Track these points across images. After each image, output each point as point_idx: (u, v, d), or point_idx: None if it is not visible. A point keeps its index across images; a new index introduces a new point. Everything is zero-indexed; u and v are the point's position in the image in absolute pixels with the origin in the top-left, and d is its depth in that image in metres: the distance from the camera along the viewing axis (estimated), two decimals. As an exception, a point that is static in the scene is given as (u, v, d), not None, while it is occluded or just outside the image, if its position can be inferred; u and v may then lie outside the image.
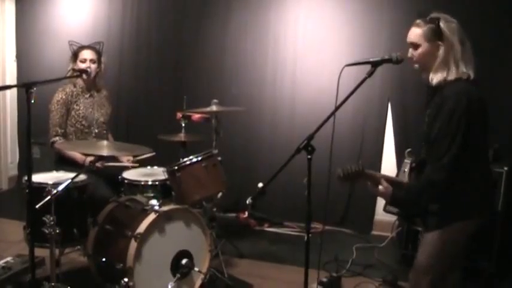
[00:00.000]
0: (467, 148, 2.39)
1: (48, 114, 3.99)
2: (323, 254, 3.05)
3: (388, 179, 2.61)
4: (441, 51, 2.46)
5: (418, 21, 2.53)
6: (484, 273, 3.83)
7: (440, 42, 2.46)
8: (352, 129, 5.05)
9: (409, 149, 4.08)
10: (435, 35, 2.46)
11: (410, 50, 2.57)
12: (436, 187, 2.44)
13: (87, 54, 4.00)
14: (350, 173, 2.52)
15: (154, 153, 3.80)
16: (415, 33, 2.53)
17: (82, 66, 3.94)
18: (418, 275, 2.64)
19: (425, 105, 2.62)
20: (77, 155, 3.89)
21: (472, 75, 2.46)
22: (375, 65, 2.49)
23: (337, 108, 2.46)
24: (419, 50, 2.52)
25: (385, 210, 4.23)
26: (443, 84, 2.46)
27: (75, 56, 4.02)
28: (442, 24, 2.46)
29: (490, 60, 4.30)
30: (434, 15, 2.50)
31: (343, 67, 2.48)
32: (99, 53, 4.09)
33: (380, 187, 2.57)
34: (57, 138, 3.94)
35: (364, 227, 5.10)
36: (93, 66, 4.00)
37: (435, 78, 2.48)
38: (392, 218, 4.56)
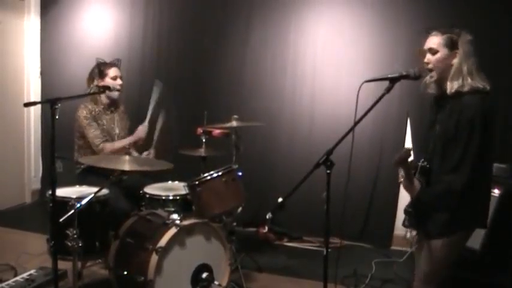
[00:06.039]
0: (481, 158, 2.44)
1: (74, 133, 4.09)
2: (342, 269, 3.05)
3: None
4: (457, 59, 2.51)
5: (434, 32, 2.59)
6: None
7: (457, 51, 2.52)
8: (370, 144, 5.05)
9: (428, 164, 4.05)
10: (453, 44, 2.53)
11: (428, 55, 2.60)
12: (455, 195, 2.48)
13: (116, 71, 4.10)
14: (402, 156, 2.72)
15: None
16: (433, 40, 2.59)
17: (116, 83, 4.04)
18: (421, 284, 2.67)
19: (434, 112, 2.66)
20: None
21: (488, 88, 2.50)
22: (392, 81, 2.51)
23: (356, 123, 2.48)
24: (437, 55, 2.56)
25: (404, 225, 4.21)
26: (461, 93, 2.49)
27: (101, 73, 4.08)
28: (459, 36, 2.53)
29: (505, 80, 4.31)
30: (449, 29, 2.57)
31: (362, 83, 2.49)
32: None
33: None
34: (103, 144, 4.00)
35: (384, 242, 5.08)
36: (121, 83, 4.11)
37: (450, 87, 2.52)
38: (411, 233, 4.53)
